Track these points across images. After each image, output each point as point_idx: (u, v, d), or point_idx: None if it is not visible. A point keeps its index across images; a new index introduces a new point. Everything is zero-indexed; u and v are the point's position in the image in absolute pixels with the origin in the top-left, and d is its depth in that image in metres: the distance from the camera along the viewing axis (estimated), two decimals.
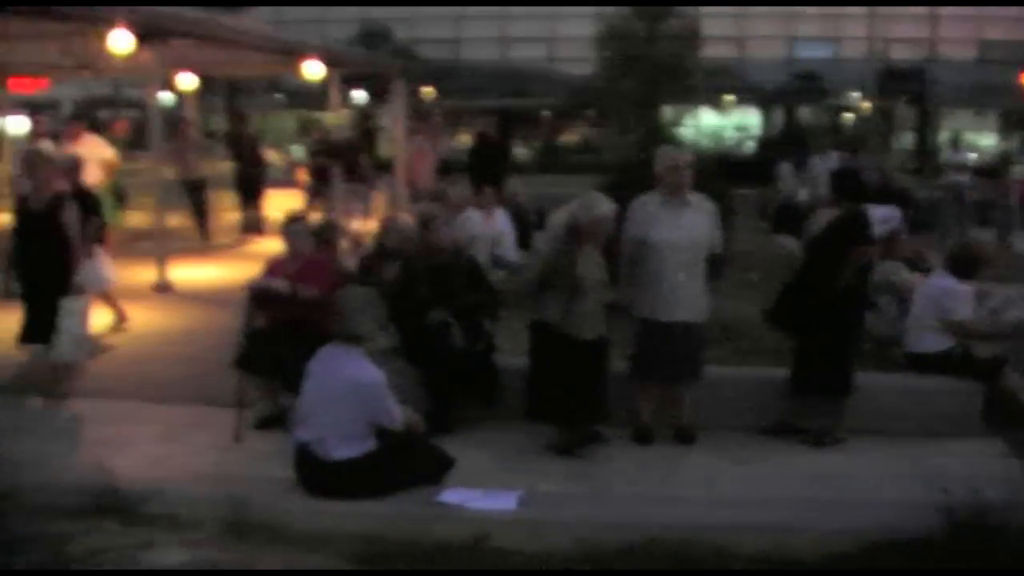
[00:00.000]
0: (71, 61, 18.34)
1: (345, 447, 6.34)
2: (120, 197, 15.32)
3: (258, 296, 8.17)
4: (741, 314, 10.16)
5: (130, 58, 16.20)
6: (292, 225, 8.51)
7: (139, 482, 6.82)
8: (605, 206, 7.63)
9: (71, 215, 9.30)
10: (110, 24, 13.16)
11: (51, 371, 9.02)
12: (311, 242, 8.54)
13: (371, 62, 25.65)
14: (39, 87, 40.49)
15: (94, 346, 9.48)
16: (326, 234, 8.97)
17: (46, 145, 14.34)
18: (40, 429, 8.31)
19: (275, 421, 8.13)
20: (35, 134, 14.93)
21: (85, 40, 17.31)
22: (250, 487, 6.86)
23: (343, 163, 18.38)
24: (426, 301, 8.28)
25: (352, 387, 6.36)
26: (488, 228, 13.49)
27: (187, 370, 9.94)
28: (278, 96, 65.43)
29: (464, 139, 31.80)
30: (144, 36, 13.63)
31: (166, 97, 22.69)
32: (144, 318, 12.33)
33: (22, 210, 9.43)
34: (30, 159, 9.81)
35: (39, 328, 9.07)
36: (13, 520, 5.70)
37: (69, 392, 8.98)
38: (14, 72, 23.44)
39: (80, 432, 8.29)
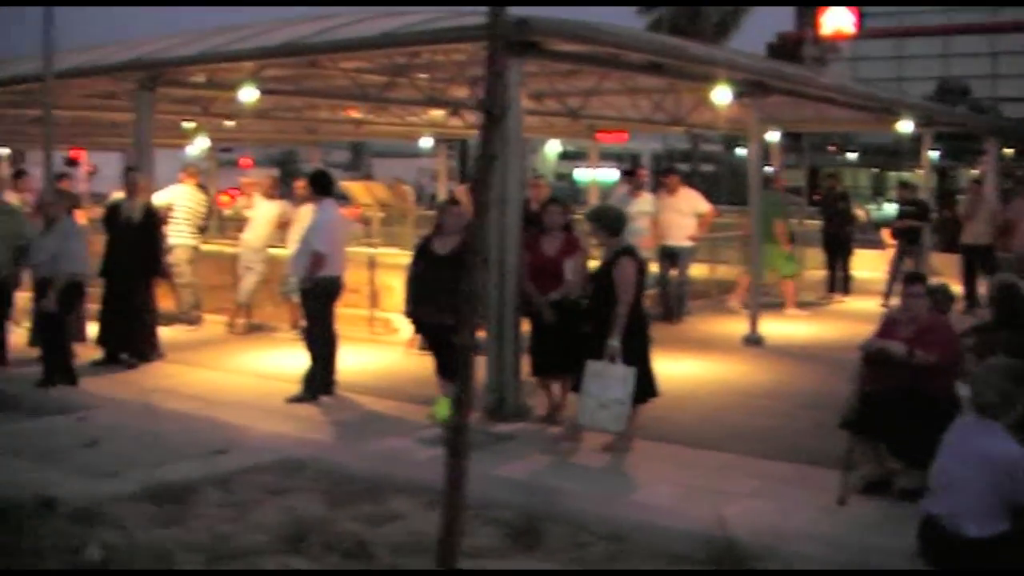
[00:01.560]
0: (662, 116, 19.11)
1: (977, 525, 5.94)
2: None
3: (872, 358, 7.94)
4: None
5: (724, 114, 16.67)
6: (911, 287, 8.22)
7: (746, 536, 6.79)
8: None
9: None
10: (711, 80, 13.52)
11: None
12: (927, 304, 8.20)
13: (965, 120, 24.85)
14: (620, 140, 42.72)
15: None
16: (940, 296, 8.63)
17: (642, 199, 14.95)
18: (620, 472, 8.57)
19: (881, 486, 7.84)
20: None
21: (678, 96, 18.04)
22: (861, 553, 6.63)
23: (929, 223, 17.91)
24: None
25: (985, 462, 5.97)
26: None
27: (777, 425, 9.87)
28: (849, 154, 64.80)
29: None
30: (743, 93, 13.90)
31: (744, 152, 23.01)
32: (732, 370, 12.47)
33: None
34: None
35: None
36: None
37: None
38: (603, 126, 24.88)
39: (663, 475, 8.44)
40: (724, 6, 50.90)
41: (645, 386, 9.01)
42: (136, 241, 12.65)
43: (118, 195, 14.65)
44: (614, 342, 8.76)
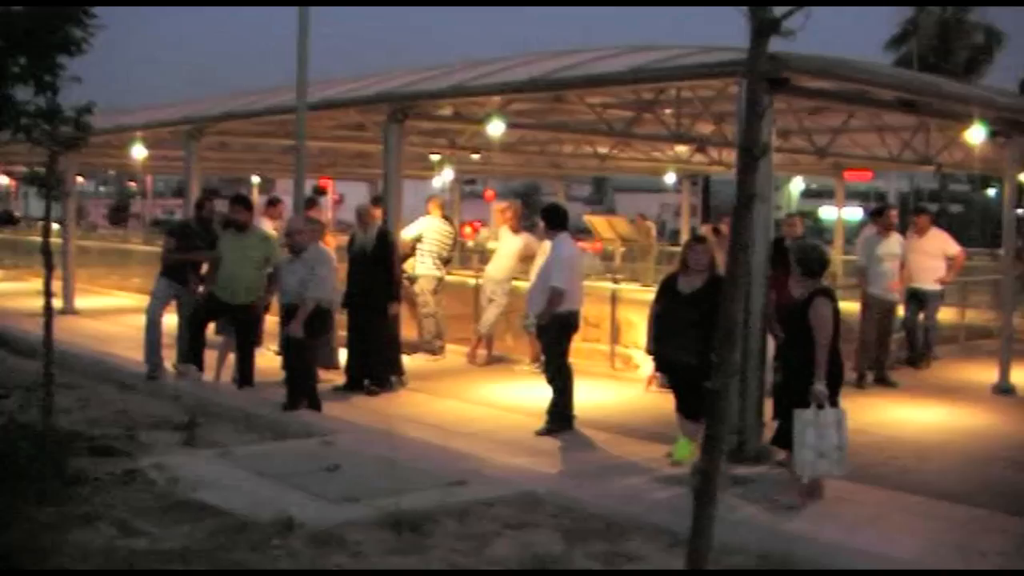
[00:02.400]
0: (911, 155, 18.49)
1: None
2: None
3: None
4: None
5: (977, 153, 16.02)
6: None
7: None
8: None
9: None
10: (963, 118, 13.04)
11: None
12: None
13: None
14: (865, 178, 41.73)
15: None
16: None
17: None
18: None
19: None
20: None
21: (927, 134, 17.44)
22: None
23: None
24: None
25: None
26: None
27: None
28: None
29: None
30: (997, 132, 13.38)
31: (995, 193, 22.06)
32: (980, 420, 11.95)
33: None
34: None
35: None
36: None
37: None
38: (850, 165, 24.29)
39: (908, 527, 8.04)
40: (974, 43, 49.22)
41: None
42: (371, 270, 12.96)
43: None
44: (820, 387, 8.42)
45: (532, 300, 11.44)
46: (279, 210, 16.88)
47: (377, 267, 13.02)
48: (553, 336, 11.16)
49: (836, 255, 21.82)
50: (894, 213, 14.78)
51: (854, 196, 44.98)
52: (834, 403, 8.57)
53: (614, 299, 14.18)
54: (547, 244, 12.17)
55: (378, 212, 13.88)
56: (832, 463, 8.45)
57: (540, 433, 10.82)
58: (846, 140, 18.39)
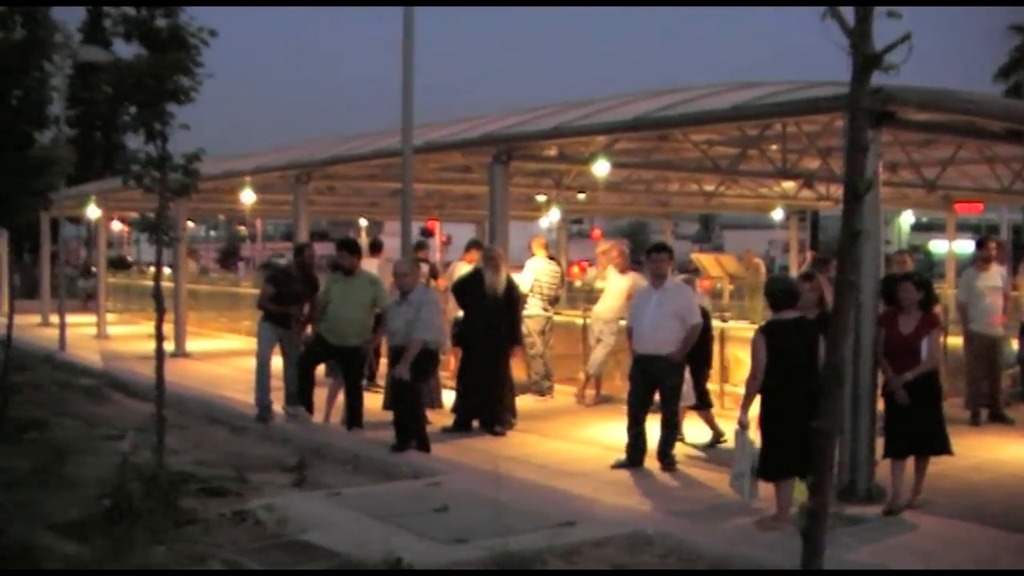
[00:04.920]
0: (1023, 186, 18.14)
1: None
2: None
3: None
4: None
5: None
6: None
7: None
8: None
9: None
10: None
11: None
12: None
13: None
14: (976, 211, 40.92)
15: None
16: None
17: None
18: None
19: None
20: None
21: None
22: None
23: None
24: None
25: None
26: None
27: None
28: None
29: None
30: None
31: None
32: None
33: None
34: None
35: None
36: None
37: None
38: (960, 197, 23.88)
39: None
40: None
41: None
42: (498, 313, 13.02)
43: (463, 266, 15.23)
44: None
45: (661, 339, 11.17)
46: (384, 253, 17.08)
47: (504, 310, 13.10)
48: (681, 376, 11.22)
49: (947, 290, 21.41)
50: (993, 245, 14.45)
51: (965, 228, 44.15)
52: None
53: (722, 337, 14.06)
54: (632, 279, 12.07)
55: (474, 256, 13.95)
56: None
57: (665, 467, 10.94)
58: (956, 172, 18.10)
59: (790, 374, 8.64)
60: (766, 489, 8.99)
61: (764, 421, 8.84)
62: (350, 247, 13.70)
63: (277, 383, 13.75)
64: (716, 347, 13.94)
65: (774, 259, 46.48)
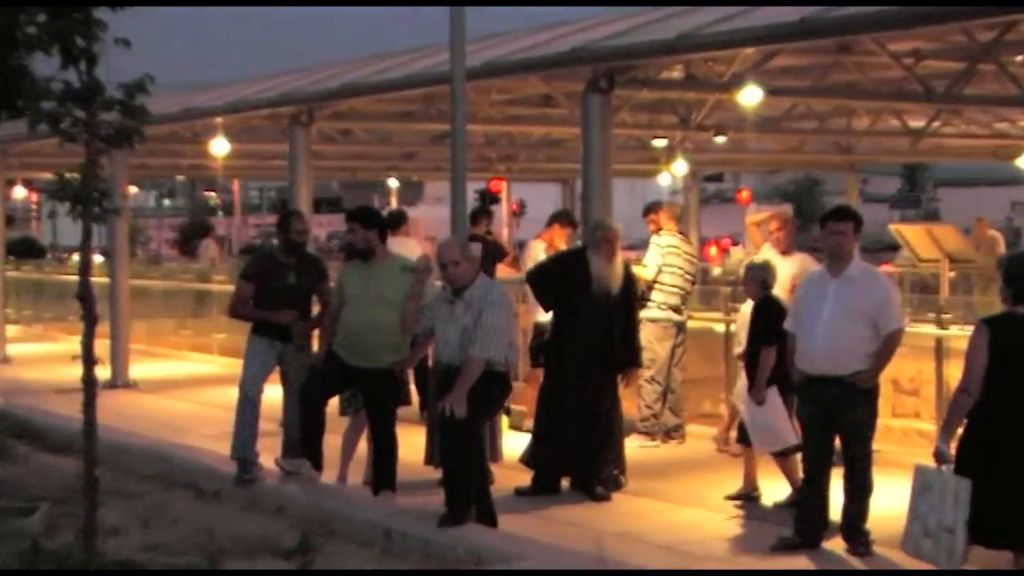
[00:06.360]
0: None
1: None
2: None
3: None
4: None
5: None
6: None
7: None
8: None
9: None
10: None
11: None
12: None
13: None
14: None
15: None
16: None
17: None
18: None
19: None
20: None
21: None
22: None
23: None
24: None
25: None
26: None
27: None
28: None
29: None
30: None
31: None
32: None
33: None
34: None
35: None
36: None
37: None
38: None
39: None
40: None
41: None
42: (609, 321, 13.00)
43: (541, 246, 15.09)
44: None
45: (836, 352, 11.07)
46: (406, 230, 16.85)
47: (623, 314, 13.16)
48: (874, 409, 11.02)
49: None
50: None
51: None
52: None
53: (939, 351, 13.89)
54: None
55: (564, 232, 13.95)
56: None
57: (775, 549, 10.94)
58: None
59: (1021, 394, 8.61)
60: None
61: (968, 456, 8.84)
62: (364, 218, 12.95)
63: (267, 425, 13.72)
64: (929, 367, 13.86)
65: (1018, 230, 45.92)
